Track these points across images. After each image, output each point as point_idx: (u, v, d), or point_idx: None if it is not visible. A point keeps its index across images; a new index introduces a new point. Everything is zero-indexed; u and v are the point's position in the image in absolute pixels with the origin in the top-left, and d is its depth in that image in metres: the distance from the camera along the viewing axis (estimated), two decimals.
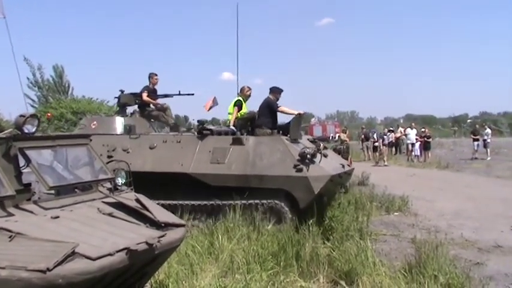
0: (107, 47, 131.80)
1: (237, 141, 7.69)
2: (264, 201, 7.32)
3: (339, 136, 24.04)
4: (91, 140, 4.40)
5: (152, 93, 9.82)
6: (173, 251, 3.90)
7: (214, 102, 10.26)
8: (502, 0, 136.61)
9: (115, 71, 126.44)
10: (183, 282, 5.03)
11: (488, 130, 25.32)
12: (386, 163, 22.66)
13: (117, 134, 8.63)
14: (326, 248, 6.38)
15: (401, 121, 69.43)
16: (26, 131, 3.97)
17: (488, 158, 23.67)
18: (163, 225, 3.62)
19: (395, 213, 9.74)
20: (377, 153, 24.62)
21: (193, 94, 10.45)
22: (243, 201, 7.28)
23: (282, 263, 5.71)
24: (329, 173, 7.28)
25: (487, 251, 6.85)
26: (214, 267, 5.59)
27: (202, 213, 7.64)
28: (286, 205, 7.29)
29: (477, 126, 25.74)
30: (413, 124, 29.64)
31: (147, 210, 3.74)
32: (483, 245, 7.11)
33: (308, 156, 7.18)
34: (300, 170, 7.12)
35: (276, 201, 7.30)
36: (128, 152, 7.99)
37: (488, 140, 24.48)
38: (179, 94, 10.10)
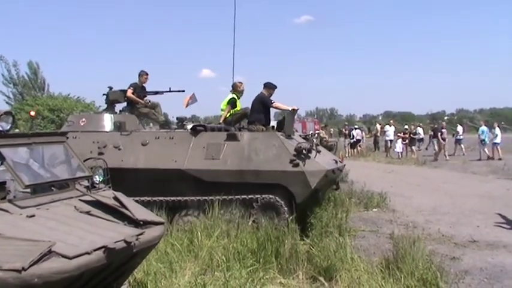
0: (84, 44, 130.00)
1: (232, 137, 7.68)
2: (263, 196, 7.35)
3: (318, 133, 24.11)
4: (67, 138, 4.35)
5: (140, 90, 9.70)
6: (152, 249, 3.88)
7: (193, 99, 10.17)
8: None
9: (92, 68, 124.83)
10: (162, 280, 5.02)
11: (460, 127, 25.77)
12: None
13: (107, 131, 8.54)
14: (305, 245, 6.43)
15: (380, 118, 70.21)
16: (0, 128, 3.90)
17: (463, 154, 24.16)
18: (141, 223, 3.60)
19: (374, 210, 9.85)
20: (354, 150, 24.98)
21: (183, 91, 10.32)
22: (241, 196, 7.32)
23: (261, 260, 5.73)
24: (325, 168, 7.35)
25: (463, 246, 6.97)
26: (193, 265, 5.58)
27: (195, 209, 7.61)
28: (282, 201, 7.31)
29: (435, 125, 26.55)
30: (391, 121, 30.00)
31: (125, 208, 3.71)
32: (459, 240, 7.24)
33: (304, 151, 7.22)
34: (297, 165, 7.16)
35: (272, 196, 7.32)
36: (119, 149, 7.93)
37: (461, 137, 24.92)
38: (170, 91, 9.98)
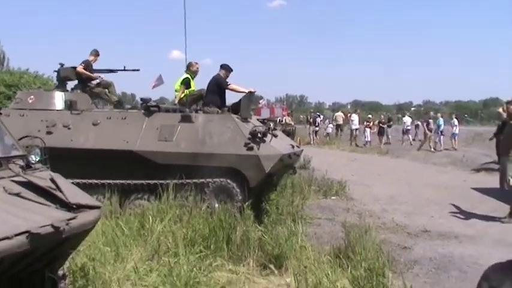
0: (49, 20, 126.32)
1: (186, 119, 7.49)
2: (214, 180, 7.22)
3: (285, 119, 24.14)
4: (1, 114, 4.08)
5: (92, 68, 9.35)
6: (86, 235, 3.67)
7: (160, 81, 9.94)
8: None
9: (57, 45, 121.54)
10: (107, 265, 4.83)
11: (407, 118, 27.47)
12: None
13: (57, 110, 8.20)
14: (258, 232, 6.32)
15: (349, 107, 70.82)
16: None
17: (404, 144, 25.40)
18: (74, 206, 3.40)
19: (333, 198, 9.84)
20: (318, 137, 25.25)
21: (138, 70, 10.05)
22: (194, 180, 7.15)
23: (212, 246, 5.60)
24: (280, 152, 7.23)
25: (415, 236, 7.01)
26: (142, 250, 5.41)
27: (147, 192, 7.43)
28: (236, 184, 7.18)
29: (382, 116, 27.50)
30: (358, 110, 30.25)
31: (60, 190, 3.49)
32: (412, 230, 7.28)
33: (259, 134, 7.09)
34: (251, 149, 7.03)
35: (225, 180, 7.19)
36: (69, 128, 7.63)
37: (409, 128, 26.90)
38: (124, 70, 9.67)
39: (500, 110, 9.66)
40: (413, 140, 26.52)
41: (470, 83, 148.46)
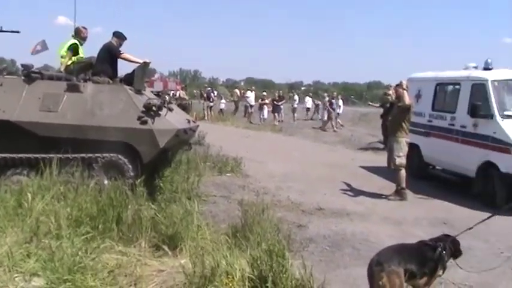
0: None
1: (73, 88, 6.89)
2: (103, 155, 6.76)
3: (178, 94, 23.62)
4: None
5: None
6: None
7: (43, 47, 9.04)
8: None
9: None
10: None
11: (296, 97, 30.48)
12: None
13: None
14: (151, 211, 5.95)
15: (242, 84, 71.35)
16: None
17: (294, 122, 26.76)
18: None
19: (228, 174, 9.70)
20: (212, 113, 25.19)
21: (18, 32, 9.13)
22: (80, 155, 6.65)
23: (100, 227, 5.17)
24: (175, 127, 6.91)
25: (310, 214, 7.09)
26: (19, 231, 4.84)
27: (26, 167, 6.76)
28: (127, 160, 6.78)
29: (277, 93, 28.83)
30: (253, 87, 30.49)
31: None
32: (307, 208, 7.35)
33: (154, 108, 6.70)
34: (145, 123, 6.64)
35: (116, 155, 6.76)
36: None
37: (296, 106, 29.21)
38: (1, 31, 8.70)
39: (391, 92, 10.10)
40: (312, 119, 27.49)
41: (355, 66, 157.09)
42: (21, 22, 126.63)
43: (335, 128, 22.53)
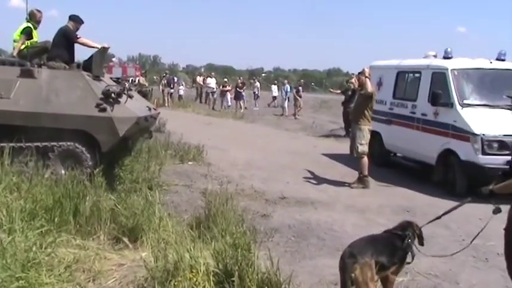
0: None
1: (27, 74, 6.63)
2: (60, 144, 6.51)
3: (138, 80, 23.10)
4: None
5: None
6: None
7: None
8: None
9: None
10: None
11: (258, 83, 30.17)
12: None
13: None
14: (111, 201, 5.73)
15: (203, 70, 70.64)
16: None
17: (256, 108, 26.98)
18: None
19: (190, 163, 9.50)
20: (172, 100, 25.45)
21: None
22: (34, 144, 6.41)
23: (56, 220, 4.92)
24: (136, 115, 6.72)
25: (274, 203, 7.00)
26: None
27: None
28: (85, 149, 6.57)
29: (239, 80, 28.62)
30: (213, 74, 30.18)
31: None
32: (270, 197, 7.26)
33: (113, 95, 6.48)
34: (104, 110, 6.43)
35: (73, 144, 6.53)
36: None
37: (258, 93, 29.30)
38: None
39: (353, 80, 10.09)
40: (275, 107, 27.42)
41: (315, 53, 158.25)
42: None
43: (297, 116, 22.53)
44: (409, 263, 3.63)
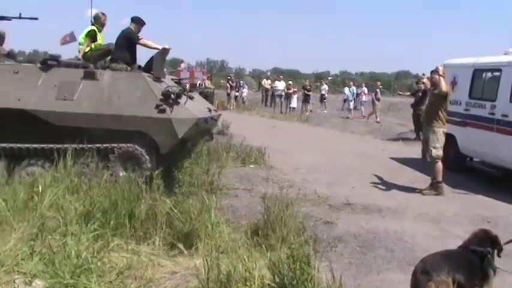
0: None
1: (90, 76, 6.64)
2: (120, 145, 6.49)
3: (204, 83, 23.39)
4: None
5: None
6: None
7: (71, 38, 8.80)
8: None
9: None
10: None
11: (325, 86, 28.55)
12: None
13: None
14: (167, 205, 5.57)
15: (269, 74, 70.80)
16: None
17: (325, 111, 25.91)
18: None
19: (251, 166, 9.27)
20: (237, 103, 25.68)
21: (37, 18, 8.84)
22: (95, 145, 6.38)
23: (112, 223, 4.81)
24: (195, 116, 6.56)
25: (338, 209, 6.59)
26: (27, 226, 4.51)
27: (41, 158, 6.54)
28: (144, 151, 6.51)
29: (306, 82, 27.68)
30: (281, 77, 29.95)
31: None
32: (334, 202, 6.86)
33: (172, 96, 6.37)
34: (163, 111, 6.33)
35: (132, 145, 6.49)
36: None
37: (325, 96, 27.69)
38: (20, 17, 8.43)
39: (425, 80, 9.48)
40: (355, 108, 26.43)
41: (383, 56, 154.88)
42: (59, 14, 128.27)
43: (377, 119, 21.35)
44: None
